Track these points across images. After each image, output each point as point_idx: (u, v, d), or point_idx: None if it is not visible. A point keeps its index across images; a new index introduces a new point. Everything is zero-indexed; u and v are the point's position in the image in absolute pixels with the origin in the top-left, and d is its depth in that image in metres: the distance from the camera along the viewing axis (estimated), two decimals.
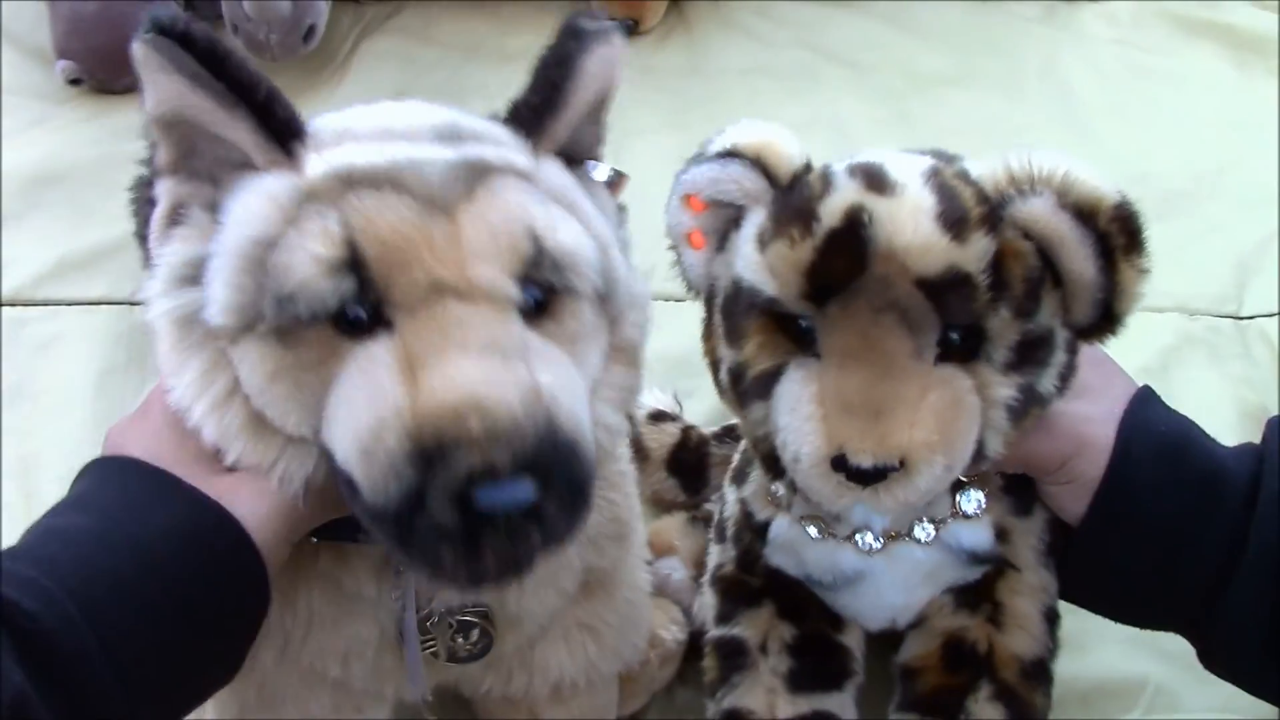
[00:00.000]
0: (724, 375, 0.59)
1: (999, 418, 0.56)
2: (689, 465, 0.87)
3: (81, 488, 0.53)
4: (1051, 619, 0.68)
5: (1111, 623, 0.83)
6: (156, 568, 0.48)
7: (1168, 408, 0.63)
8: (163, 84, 0.48)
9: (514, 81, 0.56)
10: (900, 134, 1.24)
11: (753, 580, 0.71)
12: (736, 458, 0.75)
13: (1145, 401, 0.62)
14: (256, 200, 0.49)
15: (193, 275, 0.50)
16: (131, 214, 0.58)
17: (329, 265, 0.47)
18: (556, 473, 0.45)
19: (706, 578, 0.75)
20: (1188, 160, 1.22)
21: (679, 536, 0.84)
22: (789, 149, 0.57)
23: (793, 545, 0.68)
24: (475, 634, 0.61)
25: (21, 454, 0.94)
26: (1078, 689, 0.80)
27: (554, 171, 0.54)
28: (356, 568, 0.57)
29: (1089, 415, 0.61)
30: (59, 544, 0.48)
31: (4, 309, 1.04)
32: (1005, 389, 0.55)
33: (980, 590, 0.67)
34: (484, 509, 0.44)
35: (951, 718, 0.66)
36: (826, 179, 0.55)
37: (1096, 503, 0.60)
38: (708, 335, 0.61)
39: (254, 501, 0.51)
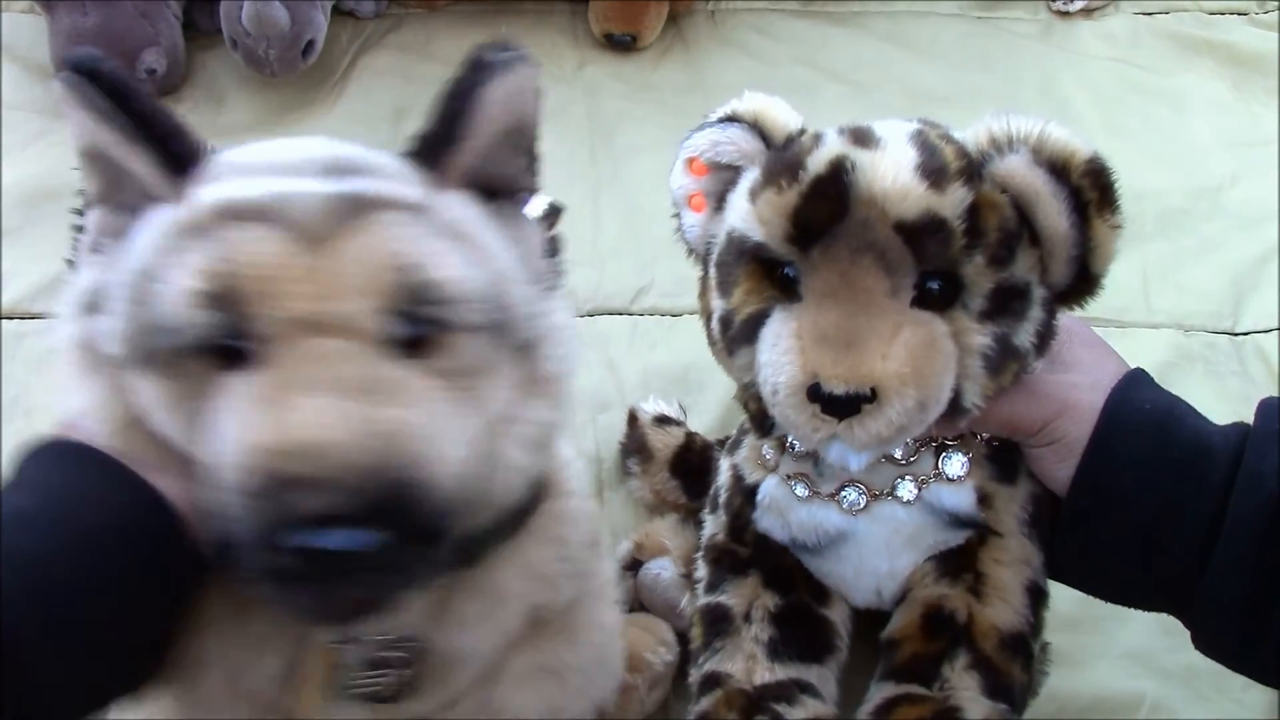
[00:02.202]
0: (715, 325, 0.62)
1: (975, 366, 0.58)
2: (692, 467, 0.88)
3: (27, 471, 0.53)
4: (1035, 594, 0.68)
5: (1109, 640, 0.83)
6: (96, 545, 0.49)
7: (1158, 387, 0.64)
8: (77, 119, 0.50)
9: None
10: None
11: (741, 549, 0.73)
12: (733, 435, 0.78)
13: (1135, 380, 0.64)
14: (146, 232, 0.50)
15: (95, 303, 0.52)
16: (71, 243, 0.57)
17: (196, 298, 0.48)
18: (393, 518, 0.45)
19: (700, 552, 0.76)
20: (1185, 178, 1.22)
21: (670, 536, 0.85)
22: (785, 115, 0.62)
23: (780, 506, 0.70)
24: (395, 673, 0.57)
25: None
26: (1075, 705, 0.80)
27: (453, 204, 0.53)
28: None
29: (1076, 383, 0.62)
30: (2, 524, 0.49)
31: (3, 322, 1.04)
32: (980, 337, 0.57)
33: (962, 558, 0.68)
34: (301, 549, 0.44)
35: (928, 685, 0.66)
36: (817, 137, 0.59)
37: (1081, 473, 0.61)
38: (703, 293, 0.64)
39: (177, 497, 0.51)
